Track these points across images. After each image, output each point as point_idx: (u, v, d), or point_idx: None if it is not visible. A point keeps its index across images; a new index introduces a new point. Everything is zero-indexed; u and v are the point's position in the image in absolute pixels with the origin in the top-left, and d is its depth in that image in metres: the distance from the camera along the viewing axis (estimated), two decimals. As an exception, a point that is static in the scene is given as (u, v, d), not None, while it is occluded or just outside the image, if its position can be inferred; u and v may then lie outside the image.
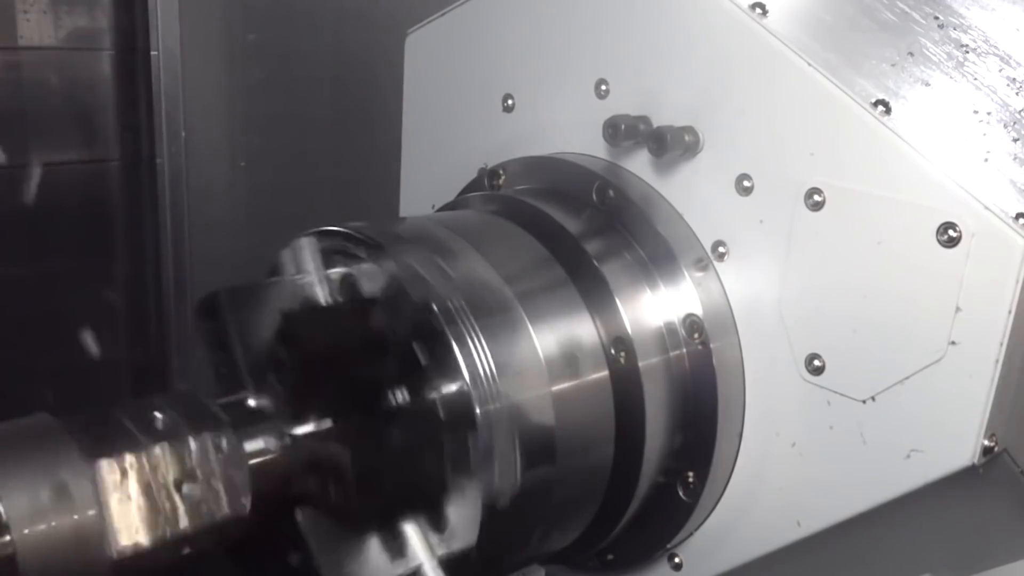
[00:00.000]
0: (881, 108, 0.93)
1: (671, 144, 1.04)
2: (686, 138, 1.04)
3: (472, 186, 1.30)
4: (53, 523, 0.76)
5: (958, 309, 0.87)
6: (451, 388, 0.92)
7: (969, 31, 1.14)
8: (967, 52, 1.11)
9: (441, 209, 1.27)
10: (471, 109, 1.32)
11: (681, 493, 1.08)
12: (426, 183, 1.41)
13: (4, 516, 0.75)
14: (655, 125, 1.06)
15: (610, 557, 1.16)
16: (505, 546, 0.99)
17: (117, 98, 2.30)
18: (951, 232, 0.86)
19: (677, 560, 1.14)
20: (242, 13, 2.42)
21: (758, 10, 1.00)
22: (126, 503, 0.79)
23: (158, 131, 2.31)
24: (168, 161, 2.33)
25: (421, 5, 1.42)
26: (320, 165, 2.63)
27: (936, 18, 1.14)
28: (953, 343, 0.88)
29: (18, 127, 2.19)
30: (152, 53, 2.26)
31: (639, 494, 1.07)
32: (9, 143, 2.18)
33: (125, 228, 2.39)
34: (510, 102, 1.27)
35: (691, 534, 1.12)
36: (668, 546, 1.13)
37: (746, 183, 1.02)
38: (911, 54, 1.06)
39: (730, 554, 1.10)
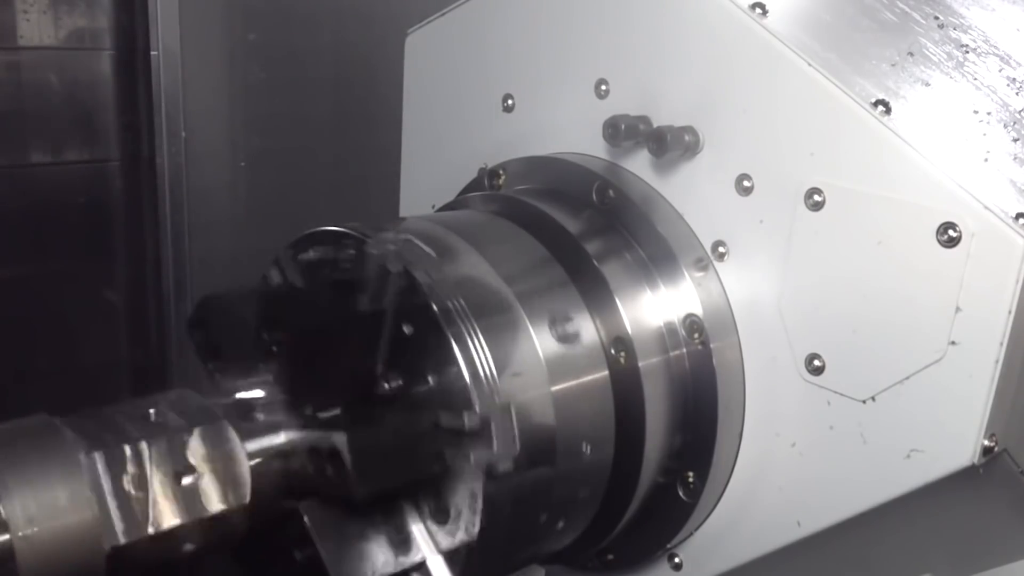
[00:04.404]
0: (881, 108, 0.93)
1: (671, 144, 1.04)
2: (686, 138, 1.04)
3: (472, 186, 1.30)
4: (52, 523, 0.76)
5: (958, 309, 0.87)
6: (451, 389, 0.92)
7: (969, 31, 1.14)
8: (967, 52, 1.10)
9: (441, 209, 1.27)
10: (471, 109, 1.32)
11: (681, 493, 1.08)
12: (426, 183, 1.41)
13: (3, 516, 0.75)
14: (655, 125, 1.06)
15: (610, 557, 1.16)
16: (506, 543, 0.99)
17: (117, 98, 2.30)
18: (951, 232, 0.86)
19: (677, 560, 1.14)
20: (242, 13, 2.42)
21: (758, 10, 1.00)
22: (124, 498, 0.79)
23: (158, 131, 2.31)
24: (168, 161, 2.34)
25: (421, 5, 1.42)
26: (320, 165, 2.63)
27: (936, 18, 1.14)
28: (953, 343, 0.87)
29: (18, 127, 2.19)
30: (152, 53, 2.26)
31: (639, 494, 1.07)
32: (9, 143, 2.19)
33: (125, 228, 2.39)
34: (510, 102, 1.27)
35: (691, 534, 1.12)
36: (668, 546, 1.13)
37: (746, 183, 1.02)
38: (911, 54, 1.06)
39: (730, 554, 1.10)
